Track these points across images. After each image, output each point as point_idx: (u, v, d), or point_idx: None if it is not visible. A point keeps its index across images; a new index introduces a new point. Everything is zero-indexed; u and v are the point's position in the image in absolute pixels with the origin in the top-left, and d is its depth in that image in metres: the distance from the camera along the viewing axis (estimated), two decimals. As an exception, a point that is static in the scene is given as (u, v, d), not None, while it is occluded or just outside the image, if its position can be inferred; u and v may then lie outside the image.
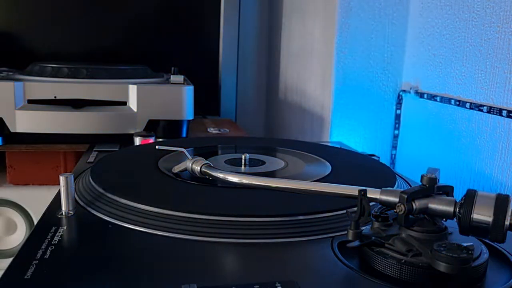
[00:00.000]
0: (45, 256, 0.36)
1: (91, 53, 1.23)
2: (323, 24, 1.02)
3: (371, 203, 0.37)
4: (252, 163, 0.61)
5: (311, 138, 1.08)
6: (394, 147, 1.02)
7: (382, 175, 0.58)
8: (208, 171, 0.51)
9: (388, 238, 0.37)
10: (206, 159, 0.53)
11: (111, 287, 0.33)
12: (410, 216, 0.37)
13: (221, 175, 0.49)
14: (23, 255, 0.36)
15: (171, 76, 0.93)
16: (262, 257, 0.38)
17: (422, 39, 0.94)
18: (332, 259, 0.38)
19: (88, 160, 0.67)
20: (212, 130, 1.05)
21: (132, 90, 0.86)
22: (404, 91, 0.99)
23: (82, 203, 0.48)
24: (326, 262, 0.37)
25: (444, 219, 0.37)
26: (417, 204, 0.36)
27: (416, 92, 0.95)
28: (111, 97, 0.86)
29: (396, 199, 0.37)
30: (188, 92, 0.89)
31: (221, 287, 0.33)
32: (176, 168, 0.55)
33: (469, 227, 0.34)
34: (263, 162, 0.62)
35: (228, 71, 1.31)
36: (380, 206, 0.40)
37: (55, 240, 0.39)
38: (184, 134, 0.90)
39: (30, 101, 0.83)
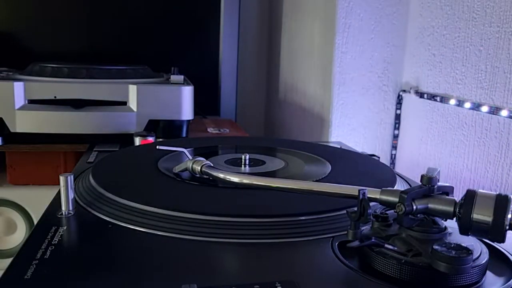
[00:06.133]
0: (45, 256, 0.36)
1: (91, 53, 1.23)
2: (323, 24, 1.02)
3: (371, 203, 0.37)
4: (252, 163, 0.61)
5: (311, 138, 1.07)
6: (394, 147, 1.02)
7: (382, 175, 0.58)
8: (209, 171, 0.51)
9: (388, 238, 0.37)
10: (206, 159, 0.53)
11: (111, 287, 0.33)
12: (410, 216, 0.37)
13: (221, 175, 0.49)
14: (23, 255, 0.36)
15: (171, 76, 0.93)
16: (262, 257, 0.38)
17: (422, 39, 0.94)
18: (332, 259, 0.38)
19: (88, 160, 0.67)
20: (212, 130, 1.05)
21: (132, 90, 0.86)
22: (404, 91, 0.99)
23: (82, 203, 0.48)
24: (326, 262, 0.37)
25: (444, 219, 0.37)
26: (417, 204, 0.36)
27: (416, 92, 0.95)
28: (111, 97, 0.86)
29: (396, 199, 0.37)
30: (188, 92, 0.89)
31: (221, 287, 0.33)
32: (177, 168, 0.55)
33: (469, 227, 0.34)
34: (263, 162, 0.62)
35: (228, 71, 1.30)
36: (380, 206, 0.40)
37: (55, 240, 0.39)
38: (184, 134, 0.90)
39: (30, 101, 0.83)
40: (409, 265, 0.34)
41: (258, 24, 1.44)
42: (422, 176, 0.37)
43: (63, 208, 0.45)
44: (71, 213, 0.45)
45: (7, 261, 0.35)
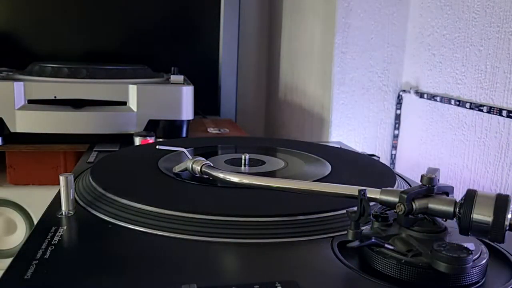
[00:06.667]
0: (45, 256, 0.36)
1: (91, 53, 1.23)
2: (323, 24, 1.02)
3: (371, 203, 0.37)
4: (252, 163, 0.61)
5: (311, 138, 1.07)
6: (394, 147, 1.02)
7: (382, 175, 0.58)
8: (209, 171, 0.51)
9: (388, 238, 0.37)
10: (206, 159, 0.53)
11: (111, 287, 0.33)
12: (410, 216, 0.37)
13: (221, 175, 0.49)
14: (23, 255, 0.36)
15: (171, 76, 0.93)
16: (262, 257, 0.38)
17: (422, 39, 0.94)
18: (332, 259, 0.38)
19: (88, 160, 0.68)
20: (212, 130, 1.05)
21: (132, 90, 0.86)
22: (404, 91, 0.99)
23: (82, 203, 0.48)
24: (326, 262, 0.37)
25: (444, 219, 0.37)
26: (417, 204, 0.36)
27: (416, 92, 0.95)
28: (111, 97, 0.86)
29: (396, 199, 0.37)
30: (188, 92, 0.89)
31: (221, 287, 0.33)
32: (177, 168, 0.55)
33: (469, 227, 0.34)
34: (263, 162, 0.62)
35: (228, 71, 1.30)
36: (380, 206, 0.40)
37: (55, 240, 0.39)
38: (184, 134, 0.90)
39: (30, 101, 0.83)
40: (409, 265, 0.34)
41: (258, 24, 1.44)
42: (422, 176, 0.37)
43: (63, 208, 0.45)
44: (71, 213, 0.45)
45: (7, 261, 0.35)
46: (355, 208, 0.36)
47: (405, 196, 0.36)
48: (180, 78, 0.92)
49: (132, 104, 0.86)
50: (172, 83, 0.90)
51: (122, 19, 1.24)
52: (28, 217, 0.85)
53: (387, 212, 0.39)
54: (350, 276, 0.35)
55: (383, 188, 0.39)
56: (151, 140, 0.75)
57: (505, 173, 0.74)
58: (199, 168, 0.51)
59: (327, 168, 0.59)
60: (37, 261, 0.35)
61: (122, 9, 1.23)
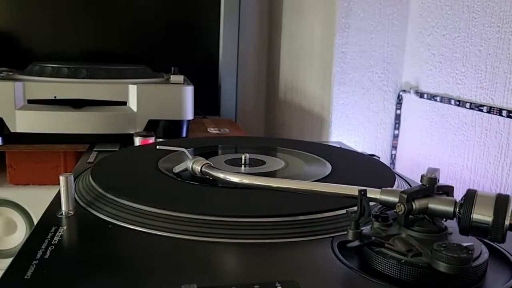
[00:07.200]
0: (45, 256, 0.36)
1: (91, 53, 1.23)
2: (323, 24, 1.02)
3: (371, 203, 0.37)
4: (252, 163, 0.61)
5: (311, 138, 1.07)
6: (394, 147, 1.02)
7: (382, 175, 0.58)
8: (209, 171, 0.51)
9: (388, 238, 0.37)
10: (206, 159, 0.53)
11: (111, 287, 0.33)
12: (410, 216, 0.37)
13: (221, 175, 0.49)
14: (23, 255, 0.36)
15: (171, 76, 0.93)
16: (262, 257, 0.38)
17: (422, 39, 0.94)
18: (332, 259, 0.38)
19: (88, 160, 0.68)
20: (212, 130, 1.05)
21: (132, 90, 0.86)
22: (404, 91, 0.99)
23: (82, 203, 0.48)
24: (326, 262, 0.37)
25: (444, 219, 0.37)
26: (417, 204, 0.36)
27: (416, 92, 0.95)
28: (111, 97, 0.86)
29: (396, 199, 0.37)
30: (188, 92, 0.89)
31: (221, 287, 0.33)
32: (177, 168, 0.55)
33: (469, 227, 0.34)
34: (263, 162, 0.62)
35: (228, 71, 1.30)
36: (380, 206, 0.40)
37: (55, 240, 0.39)
38: (184, 134, 0.90)
39: (30, 101, 0.83)
40: (409, 265, 0.34)
41: (258, 24, 1.44)
42: (422, 176, 0.37)
43: (63, 208, 0.45)
44: (71, 213, 0.45)
45: (7, 261, 0.35)
46: (355, 208, 0.36)
47: (405, 196, 0.36)
48: (180, 78, 0.92)
49: (132, 104, 0.86)
50: (172, 83, 0.90)
51: (122, 19, 1.24)
52: (28, 217, 0.85)
53: (387, 212, 0.39)
54: (350, 276, 0.35)
55: (383, 188, 0.39)
56: (151, 140, 0.75)
57: (505, 173, 0.74)
58: (199, 168, 0.51)
59: (327, 168, 0.59)
60: (37, 261, 0.35)
61: (122, 9, 1.23)
